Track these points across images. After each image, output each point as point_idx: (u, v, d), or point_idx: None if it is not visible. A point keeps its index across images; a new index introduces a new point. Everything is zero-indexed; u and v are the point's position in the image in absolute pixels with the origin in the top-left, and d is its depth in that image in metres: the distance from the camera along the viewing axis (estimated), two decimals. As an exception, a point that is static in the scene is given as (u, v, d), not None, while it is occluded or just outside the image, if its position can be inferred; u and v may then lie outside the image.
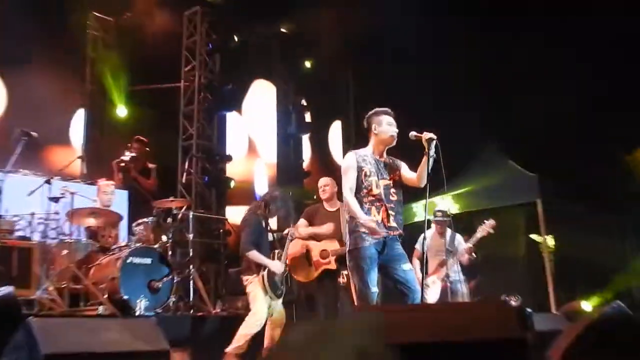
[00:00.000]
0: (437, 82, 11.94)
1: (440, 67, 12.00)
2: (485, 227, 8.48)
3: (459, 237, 8.79)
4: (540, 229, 10.66)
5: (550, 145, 11.34)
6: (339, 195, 6.50)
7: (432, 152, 5.36)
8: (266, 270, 6.62)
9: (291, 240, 7.08)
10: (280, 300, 6.85)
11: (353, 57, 14.71)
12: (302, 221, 7.53)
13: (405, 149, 5.64)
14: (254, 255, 6.63)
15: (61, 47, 10.49)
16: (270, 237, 7.19)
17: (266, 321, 6.66)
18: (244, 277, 6.75)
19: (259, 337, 6.57)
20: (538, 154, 11.26)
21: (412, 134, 5.50)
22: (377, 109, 5.73)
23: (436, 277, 8.48)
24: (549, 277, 10.40)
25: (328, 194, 7.37)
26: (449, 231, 8.59)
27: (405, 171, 5.68)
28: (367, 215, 5.42)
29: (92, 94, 11.59)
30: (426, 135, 5.40)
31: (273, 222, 7.68)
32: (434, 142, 5.38)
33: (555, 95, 10.92)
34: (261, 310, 6.54)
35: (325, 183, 7.44)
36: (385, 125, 5.62)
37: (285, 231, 7.16)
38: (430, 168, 5.40)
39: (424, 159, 5.40)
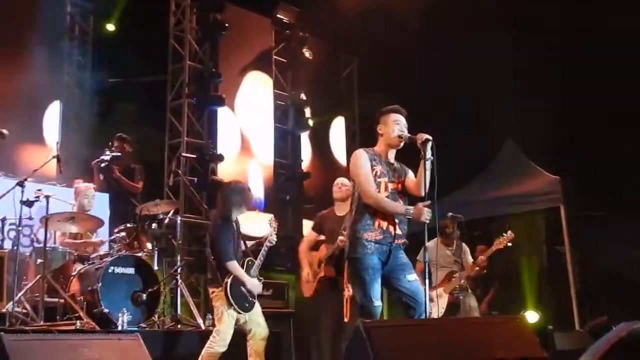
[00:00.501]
0: (452, 76, 12.00)
1: (456, 59, 12.07)
2: (502, 240, 8.51)
3: (465, 247, 8.81)
4: (563, 237, 10.65)
5: (574, 144, 11.39)
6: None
7: (428, 154, 5.35)
8: (230, 279, 6.40)
9: (270, 244, 6.83)
10: (257, 311, 6.65)
11: (358, 46, 14.74)
12: (311, 234, 7.57)
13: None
14: (234, 267, 6.46)
15: (35, 35, 10.52)
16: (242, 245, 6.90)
17: (246, 337, 6.58)
18: (211, 290, 6.57)
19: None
20: (561, 154, 11.31)
21: (406, 135, 5.53)
22: (387, 107, 5.73)
23: (443, 290, 8.49)
24: (572, 291, 10.40)
25: (344, 193, 7.20)
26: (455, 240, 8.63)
27: (409, 179, 5.69)
28: (370, 220, 5.44)
29: (69, 86, 11.61)
30: (421, 136, 5.40)
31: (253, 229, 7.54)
32: (430, 143, 5.37)
33: (580, 94, 11.00)
34: (226, 329, 6.37)
35: (343, 182, 7.32)
36: (391, 124, 5.62)
37: (265, 235, 6.95)
38: (430, 171, 5.39)
39: (421, 164, 5.40)
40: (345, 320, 6.47)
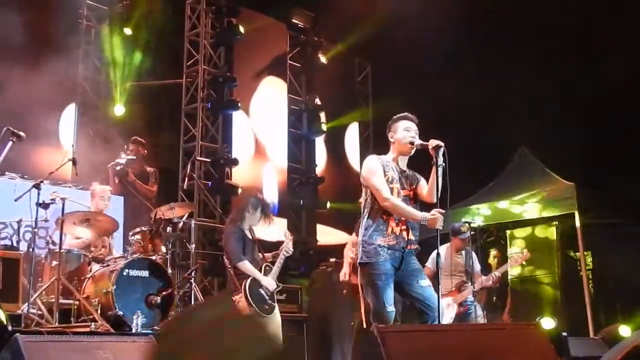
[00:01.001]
0: (467, 81, 11.98)
1: (471, 64, 12.07)
2: (518, 259, 8.50)
3: (474, 256, 8.78)
4: (578, 244, 10.60)
5: (590, 151, 11.35)
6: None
7: (440, 160, 5.37)
8: (248, 282, 6.51)
9: (286, 254, 6.94)
10: (276, 320, 6.73)
11: (373, 51, 14.75)
12: (353, 236, 7.62)
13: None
14: (245, 266, 6.58)
15: (51, 38, 10.58)
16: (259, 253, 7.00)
17: None
18: (234, 298, 6.62)
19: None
20: (576, 161, 11.27)
21: (418, 142, 5.55)
22: (396, 115, 5.76)
23: (452, 299, 8.43)
24: (587, 298, 10.36)
25: None
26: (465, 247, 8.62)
27: (421, 187, 5.71)
28: (383, 226, 5.44)
29: (84, 89, 11.67)
30: (432, 142, 5.42)
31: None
32: (442, 149, 5.39)
33: (594, 98, 10.96)
34: None
35: None
36: (402, 132, 5.64)
37: (282, 247, 7.01)
38: (442, 178, 5.39)
39: (433, 170, 5.42)
40: (364, 326, 6.49)
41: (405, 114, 5.73)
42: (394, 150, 5.71)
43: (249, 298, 6.46)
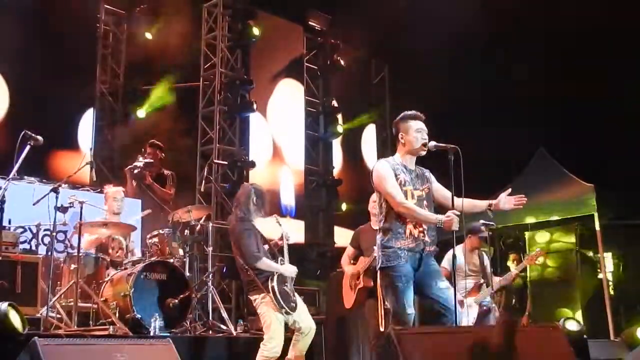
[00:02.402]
0: (484, 82, 11.95)
1: (488, 65, 12.03)
2: (533, 258, 8.47)
3: (486, 258, 8.74)
4: (598, 245, 10.54)
5: (609, 152, 11.27)
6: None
7: (454, 163, 5.35)
8: (275, 280, 6.37)
9: (287, 241, 6.76)
10: (302, 308, 6.61)
11: (389, 53, 14.73)
12: (349, 248, 7.65)
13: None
14: (266, 263, 6.44)
15: (69, 42, 10.65)
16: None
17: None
18: (252, 298, 6.53)
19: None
20: (596, 162, 11.19)
21: (433, 144, 5.50)
22: (404, 114, 5.68)
23: (473, 299, 8.40)
24: (607, 300, 10.29)
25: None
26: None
27: (437, 187, 5.68)
28: (402, 229, 5.41)
29: (102, 93, 11.75)
30: (447, 146, 5.42)
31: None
32: (457, 152, 5.37)
33: (614, 100, 10.89)
34: (278, 334, 6.35)
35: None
36: (414, 133, 5.56)
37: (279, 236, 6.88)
38: (457, 180, 5.38)
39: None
40: (382, 329, 6.45)
41: (415, 112, 5.65)
42: (403, 151, 5.63)
43: (279, 299, 6.35)
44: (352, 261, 7.60)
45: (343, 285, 7.67)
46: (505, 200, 5.64)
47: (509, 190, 5.64)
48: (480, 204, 5.59)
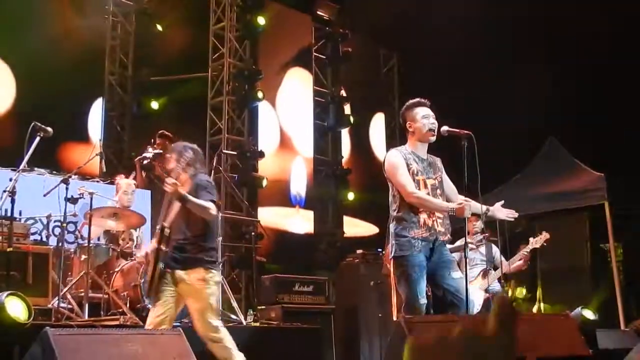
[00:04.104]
0: (494, 71, 11.90)
1: (499, 54, 11.98)
2: (539, 240, 8.46)
3: (494, 248, 8.75)
4: (608, 235, 10.50)
5: (619, 141, 11.22)
6: None
7: (467, 149, 5.37)
8: None
9: None
10: None
11: (398, 42, 14.70)
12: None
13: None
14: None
15: (77, 34, 10.67)
16: None
17: None
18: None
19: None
20: (606, 151, 11.14)
21: (445, 128, 5.49)
22: (409, 102, 5.67)
23: (479, 286, 8.42)
24: (617, 289, 10.26)
25: None
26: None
27: (446, 180, 5.68)
28: (415, 218, 5.39)
29: (110, 85, 11.77)
30: (461, 131, 5.42)
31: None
32: (470, 138, 5.38)
33: (625, 90, 10.84)
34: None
35: None
36: (421, 120, 5.54)
37: None
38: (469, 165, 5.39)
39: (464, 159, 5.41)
40: (394, 318, 6.46)
41: (419, 99, 5.63)
42: (413, 139, 5.61)
43: None
44: None
45: None
46: (498, 209, 5.66)
47: (502, 202, 5.68)
48: (478, 207, 5.57)
